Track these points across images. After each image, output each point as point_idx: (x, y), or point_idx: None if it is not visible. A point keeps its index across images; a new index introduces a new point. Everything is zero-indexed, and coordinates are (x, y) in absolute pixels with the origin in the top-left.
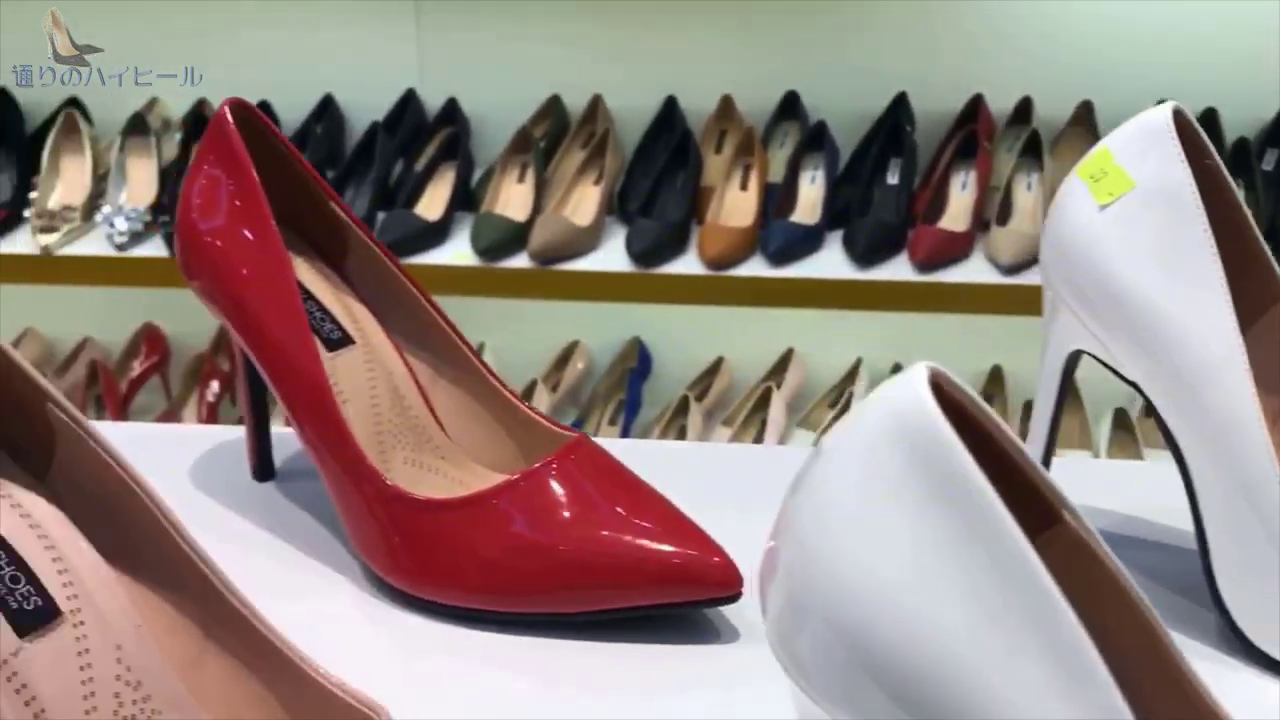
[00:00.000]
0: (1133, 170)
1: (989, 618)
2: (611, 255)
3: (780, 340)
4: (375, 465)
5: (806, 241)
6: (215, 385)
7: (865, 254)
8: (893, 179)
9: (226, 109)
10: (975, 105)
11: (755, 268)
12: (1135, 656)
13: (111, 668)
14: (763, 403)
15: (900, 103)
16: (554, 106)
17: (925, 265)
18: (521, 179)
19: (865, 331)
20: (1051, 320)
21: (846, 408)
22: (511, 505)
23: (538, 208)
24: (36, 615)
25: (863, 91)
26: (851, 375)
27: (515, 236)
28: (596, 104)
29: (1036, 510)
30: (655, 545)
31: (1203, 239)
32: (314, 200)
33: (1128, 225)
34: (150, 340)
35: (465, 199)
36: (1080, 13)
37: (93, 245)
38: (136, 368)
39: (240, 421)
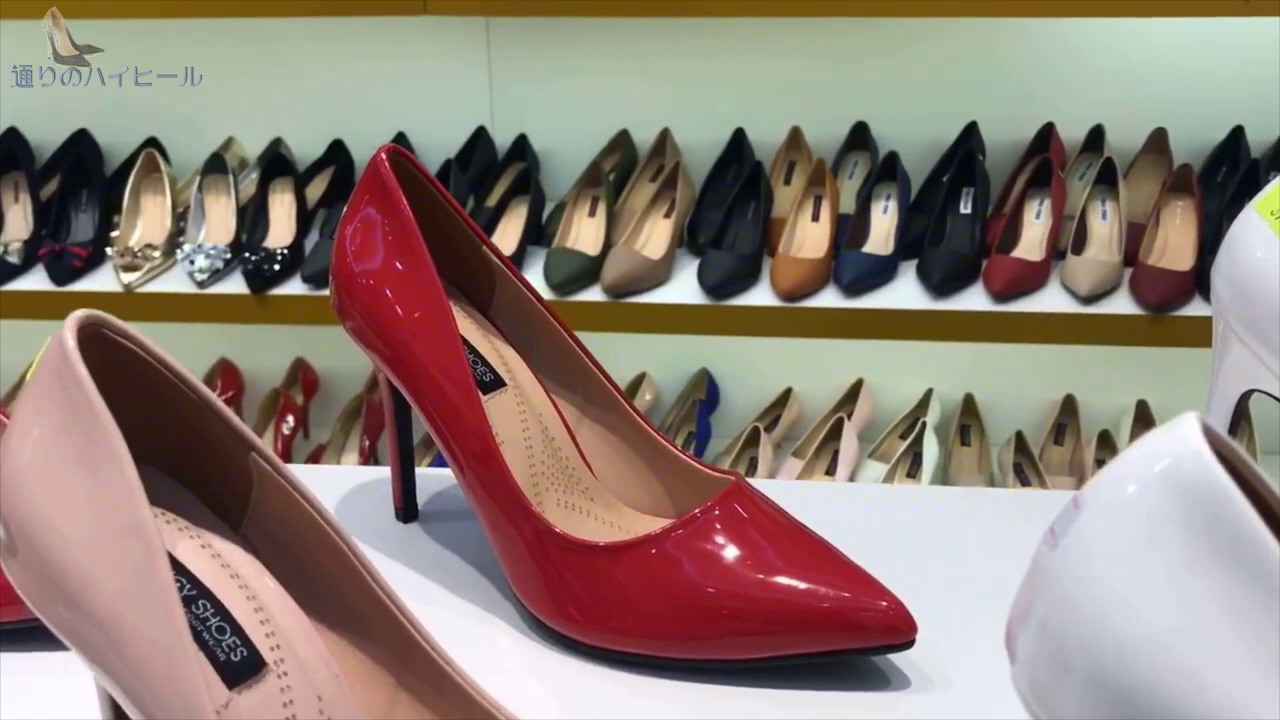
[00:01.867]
0: None
1: (1276, 677)
2: (683, 288)
3: (849, 370)
4: (534, 508)
5: (880, 272)
6: (290, 419)
7: (940, 284)
8: (965, 208)
9: (384, 155)
10: (1046, 134)
11: (828, 299)
12: None
13: (314, 718)
14: (834, 434)
15: (971, 132)
16: (623, 141)
17: (1001, 295)
18: (593, 213)
19: (936, 361)
20: (1223, 356)
21: (919, 439)
22: (678, 550)
23: (609, 241)
24: (243, 667)
25: (931, 121)
26: (923, 405)
27: (588, 270)
28: (665, 137)
29: None
30: (822, 590)
31: None
32: (463, 243)
33: None
34: (226, 375)
35: (537, 234)
36: (1151, 40)
37: (173, 282)
38: None
39: (361, 460)
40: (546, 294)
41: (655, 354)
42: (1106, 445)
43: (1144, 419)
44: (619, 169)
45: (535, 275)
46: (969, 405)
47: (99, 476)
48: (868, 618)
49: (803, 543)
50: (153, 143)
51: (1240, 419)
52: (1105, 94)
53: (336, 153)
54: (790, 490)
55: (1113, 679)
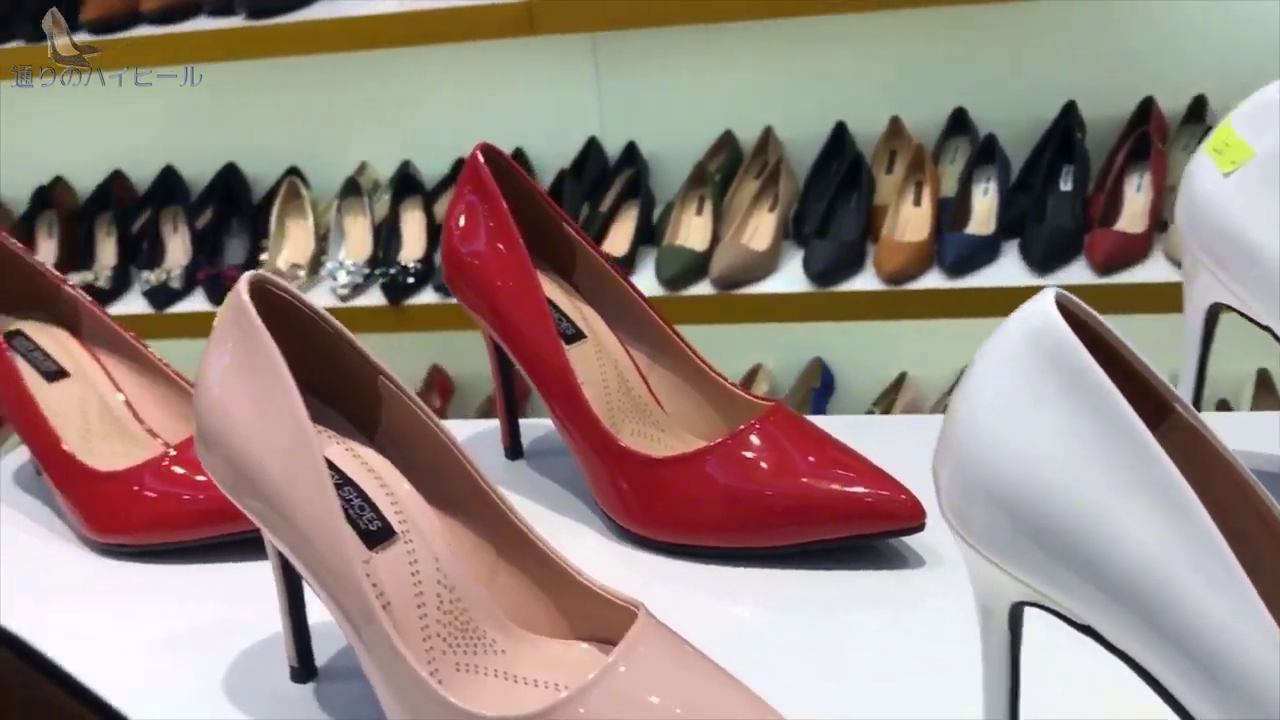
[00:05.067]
0: (1253, 141)
1: (1111, 478)
2: (790, 277)
3: (961, 352)
4: (616, 439)
5: (982, 252)
6: None
7: (1043, 260)
8: (1066, 185)
9: (479, 152)
10: (1146, 107)
11: (933, 280)
12: (1252, 533)
13: (433, 574)
14: None
15: (1070, 110)
16: (727, 141)
17: (1104, 268)
18: (700, 211)
19: None
20: (1192, 281)
21: None
22: (723, 460)
23: (716, 237)
24: (379, 535)
25: (1030, 102)
26: None
27: (697, 266)
28: (768, 135)
29: (1153, 404)
30: (846, 487)
31: None
32: (550, 223)
33: (1250, 188)
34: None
35: (648, 234)
36: (1249, 7)
37: (318, 297)
38: None
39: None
40: (657, 290)
41: (769, 346)
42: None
43: (1266, 385)
44: (724, 168)
45: (647, 273)
46: None
47: (269, 393)
48: (886, 507)
49: (830, 450)
50: (294, 172)
51: (1212, 331)
52: (1205, 63)
53: (458, 171)
54: (836, 422)
55: (1003, 498)
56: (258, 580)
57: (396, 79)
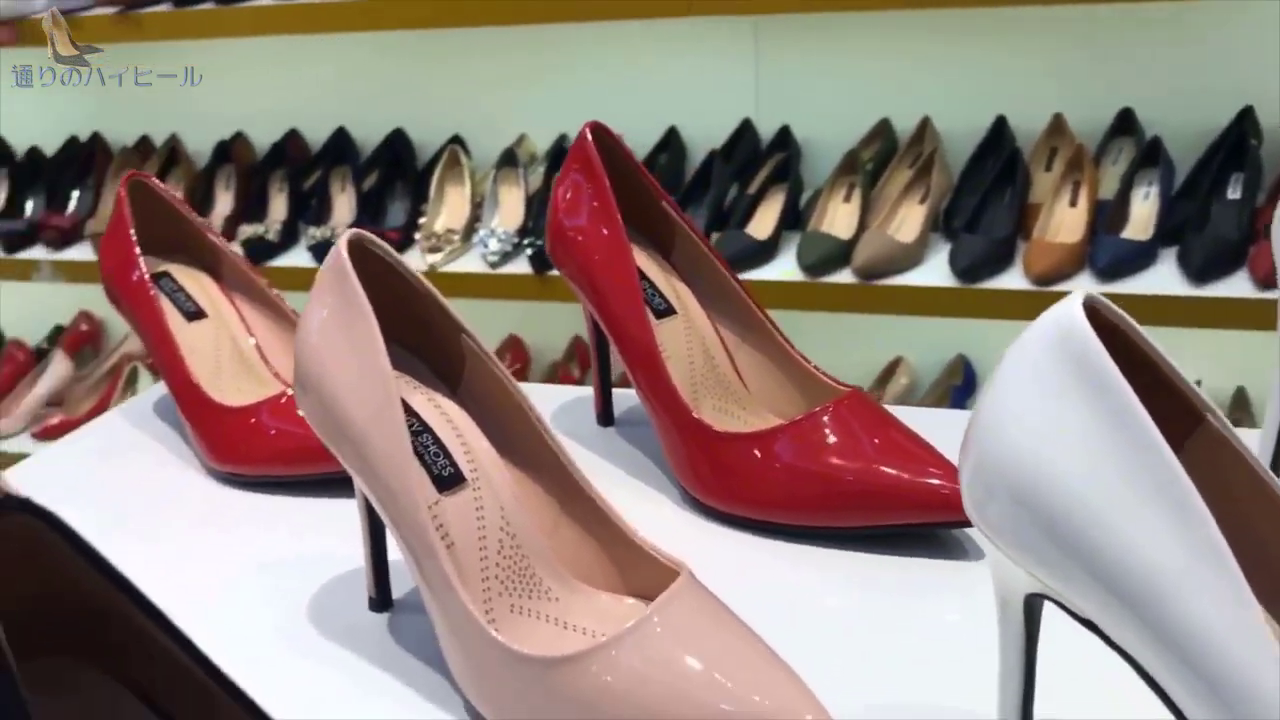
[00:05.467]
0: None
1: (1125, 483)
2: (935, 272)
3: None
4: (694, 411)
5: (1138, 258)
6: None
7: (1201, 270)
8: (1234, 194)
9: (587, 130)
10: None
11: (1083, 283)
12: (1275, 544)
13: (498, 522)
14: None
15: (1246, 116)
16: (883, 129)
17: (1266, 283)
18: (848, 199)
19: (1200, 350)
20: None
21: None
22: (791, 440)
23: (863, 225)
24: (450, 480)
25: (1202, 106)
26: None
27: (840, 254)
28: (925, 125)
29: (1183, 412)
30: (910, 475)
31: None
32: (651, 202)
33: None
34: (514, 350)
35: (794, 219)
36: None
37: (469, 263)
38: None
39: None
40: (798, 275)
41: (912, 339)
42: None
43: (1240, 403)
44: (878, 157)
45: (788, 258)
46: (1240, 399)
47: (359, 343)
48: (944, 497)
49: (898, 436)
50: (456, 140)
51: None
52: None
53: None
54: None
55: (1020, 494)
56: (350, 516)
57: (559, 53)
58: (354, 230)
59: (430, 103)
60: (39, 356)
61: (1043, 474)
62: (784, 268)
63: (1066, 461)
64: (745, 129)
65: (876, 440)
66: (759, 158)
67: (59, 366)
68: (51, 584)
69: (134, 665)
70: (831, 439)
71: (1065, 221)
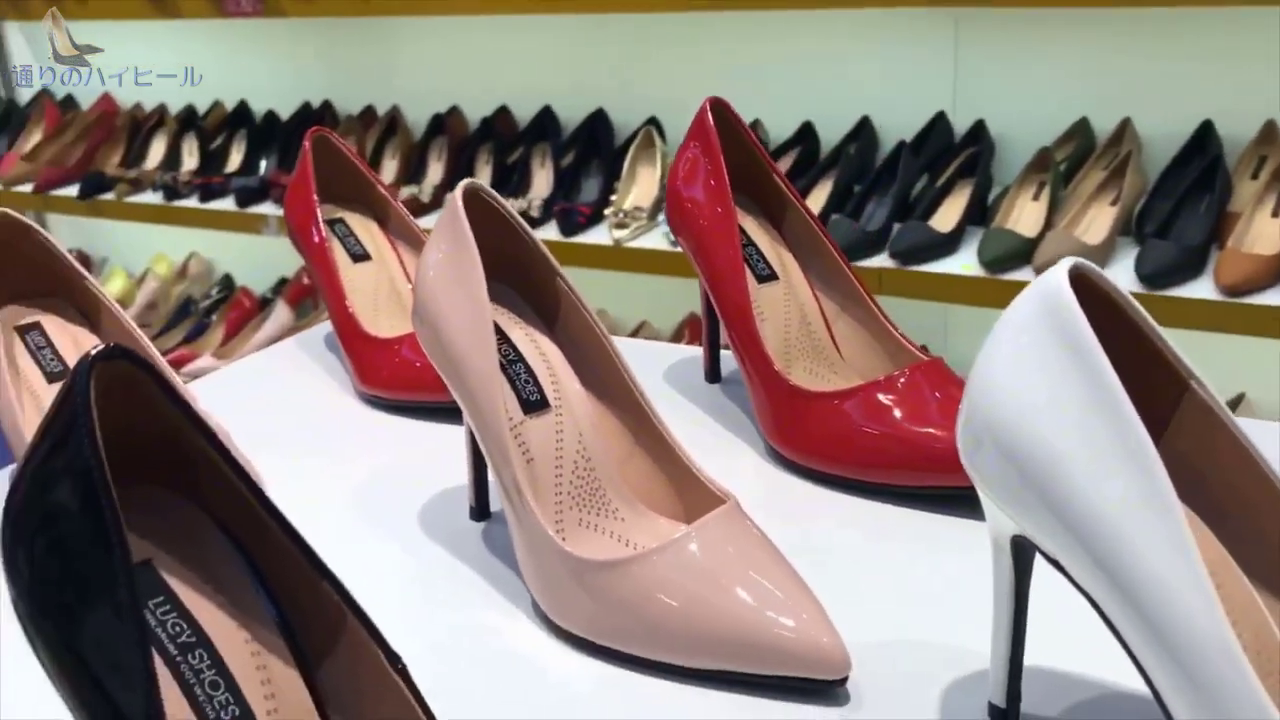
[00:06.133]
0: None
1: (1089, 436)
2: (1120, 275)
3: None
4: (779, 368)
5: None
6: None
7: None
8: None
9: (708, 105)
10: None
11: (1278, 298)
12: (1262, 508)
13: (575, 446)
14: None
15: None
16: (1081, 128)
17: None
18: (1036, 197)
19: None
20: None
21: None
22: (861, 401)
23: (1049, 224)
24: (536, 404)
25: None
26: None
27: (1022, 251)
28: (1125, 126)
29: (1170, 379)
30: None
31: None
32: (766, 176)
33: None
34: (694, 328)
35: (979, 214)
36: None
37: (654, 240)
38: None
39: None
40: (978, 271)
41: None
42: None
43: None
44: (1073, 156)
45: (969, 252)
46: None
47: (465, 279)
48: None
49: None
50: (652, 122)
51: None
52: None
53: (805, 134)
54: None
55: (1007, 445)
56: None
57: (757, 39)
58: (470, 180)
59: (631, 84)
60: (263, 305)
61: (1021, 428)
62: (964, 261)
63: (1042, 417)
64: (938, 121)
65: (948, 407)
66: (950, 151)
67: (280, 315)
68: (146, 422)
69: (207, 494)
70: (899, 403)
71: (1264, 232)
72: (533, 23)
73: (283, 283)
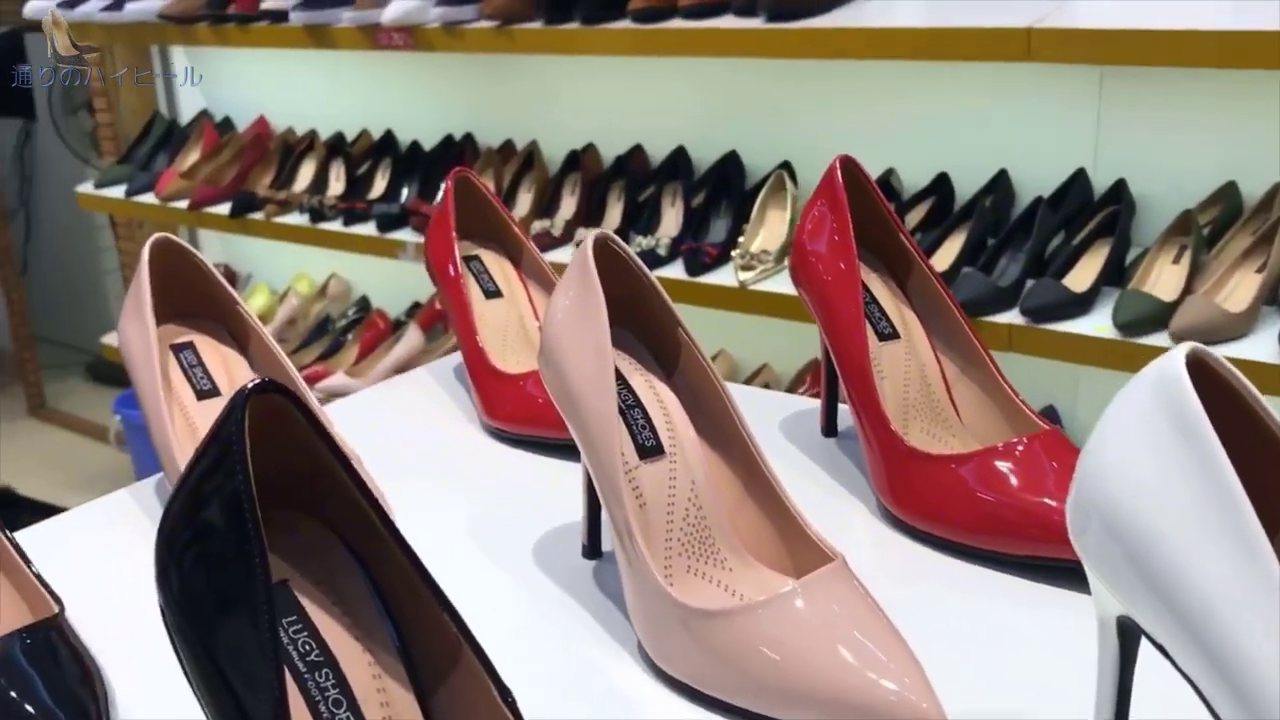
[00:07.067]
0: None
1: (1201, 525)
2: (1261, 346)
3: None
4: (896, 428)
5: None
6: None
7: None
8: None
9: (838, 163)
10: None
11: None
12: None
13: (687, 493)
14: None
15: None
16: (1228, 192)
17: None
18: (1177, 260)
19: None
20: None
21: None
22: (977, 466)
23: (1188, 289)
24: (651, 450)
25: None
26: None
27: (1159, 316)
28: (1275, 193)
29: None
30: None
31: None
32: (892, 235)
33: None
34: (816, 373)
35: (1116, 275)
36: None
37: (779, 284)
38: (801, 394)
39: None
40: (1112, 333)
41: None
42: None
43: None
44: (1218, 220)
45: (1103, 314)
46: None
47: (591, 325)
48: None
49: None
50: (784, 166)
51: None
52: None
53: (940, 184)
54: None
55: (1114, 526)
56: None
57: (894, 87)
58: (601, 232)
59: (764, 127)
60: (396, 327)
61: (1130, 510)
62: (1097, 323)
63: (1151, 501)
64: (1078, 178)
65: (1059, 471)
66: (1088, 209)
67: (412, 337)
68: (290, 450)
69: (341, 520)
70: (1016, 470)
71: None
72: (669, 65)
73: (416, 307)
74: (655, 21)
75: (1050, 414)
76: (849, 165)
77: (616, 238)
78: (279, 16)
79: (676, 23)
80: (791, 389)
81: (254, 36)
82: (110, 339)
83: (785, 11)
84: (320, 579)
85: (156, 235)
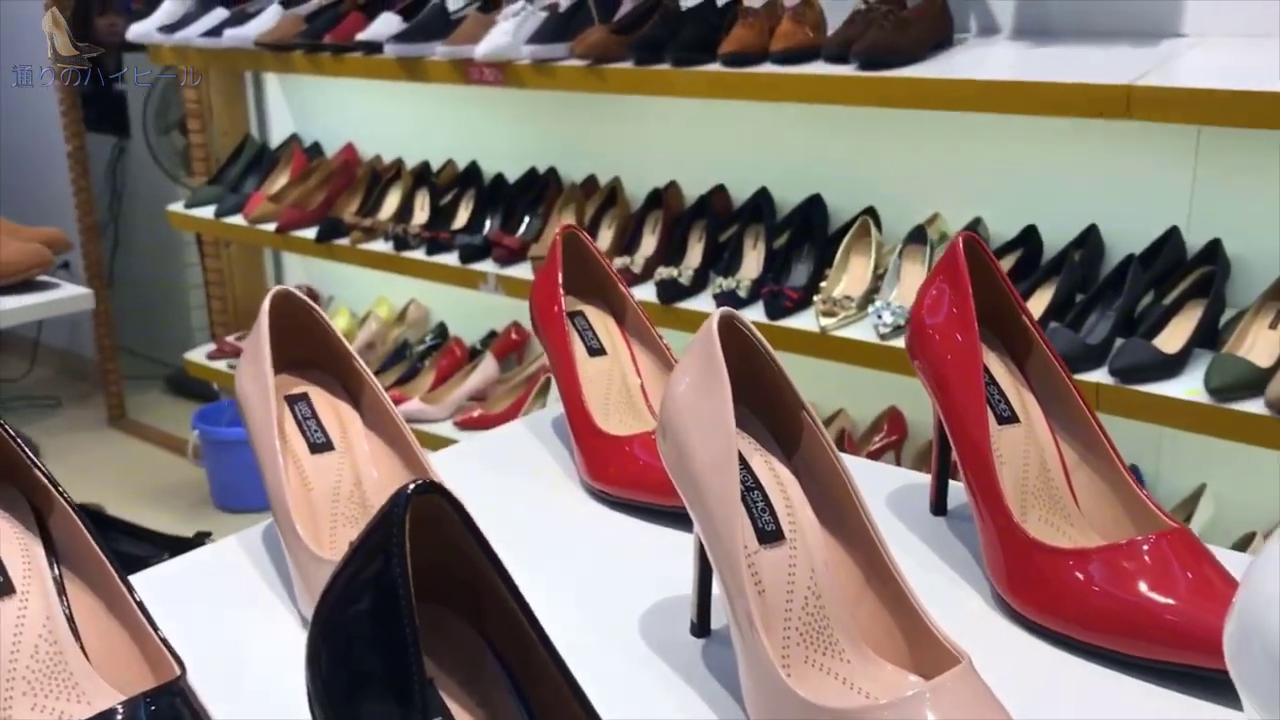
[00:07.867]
0: None
1: None
2: None
3: None
4: (1015, 517)
5: None
6: None
7: None
8: None
9: (960, 239)
10: None
11: None
12: None
13: (807, 581)
14: None
15: None
16: None
17: None
18: (1274, 325)
19: None
20: None
21: None
22: (1102, 563)
23: None
24: (772, 534)
25: None
26: None
27: (1254, 382)
28: None
29: None
30: (1217, 619)
31: None
32: (1013, 314)
33: None
34: (893, 421)
35: (1209, 338)
36: None
37: (861, 331)
38: (877, 442)
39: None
40: (1203, 397)
41: None
42: None
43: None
44: None
45: (1194, 377)
46: None
47: (714, 405)
48: None
49: (1218, 581)
50: (869, 212)
51: None
52: None
53: (1028, 236)
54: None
55: (1275, 654)
56: (690, 549)
57: (978, 137)
58: (726, 309)
59: (849, 172)
60: (472, 355)
61: None
62: (1188, 386)
63: None
64: (1171, 236)
65: (1194, 583)
66: (1181, 269)
67: (487, 367)
68: (446, 551)
69: (490, 623)
70: (1143, 571)
71: None
72: (754, 108)
73: (492, 335)
74: (745, 66)
75: (1135, 474)
76: (971, 244)
77: (740, 315)
78: (374, 48)
79: (767, 67)
80: (867, 437)
81: (348, 67)
82: (195, 355)
83: (879, 60)
84: (467, 679)
85: (277, 288)
